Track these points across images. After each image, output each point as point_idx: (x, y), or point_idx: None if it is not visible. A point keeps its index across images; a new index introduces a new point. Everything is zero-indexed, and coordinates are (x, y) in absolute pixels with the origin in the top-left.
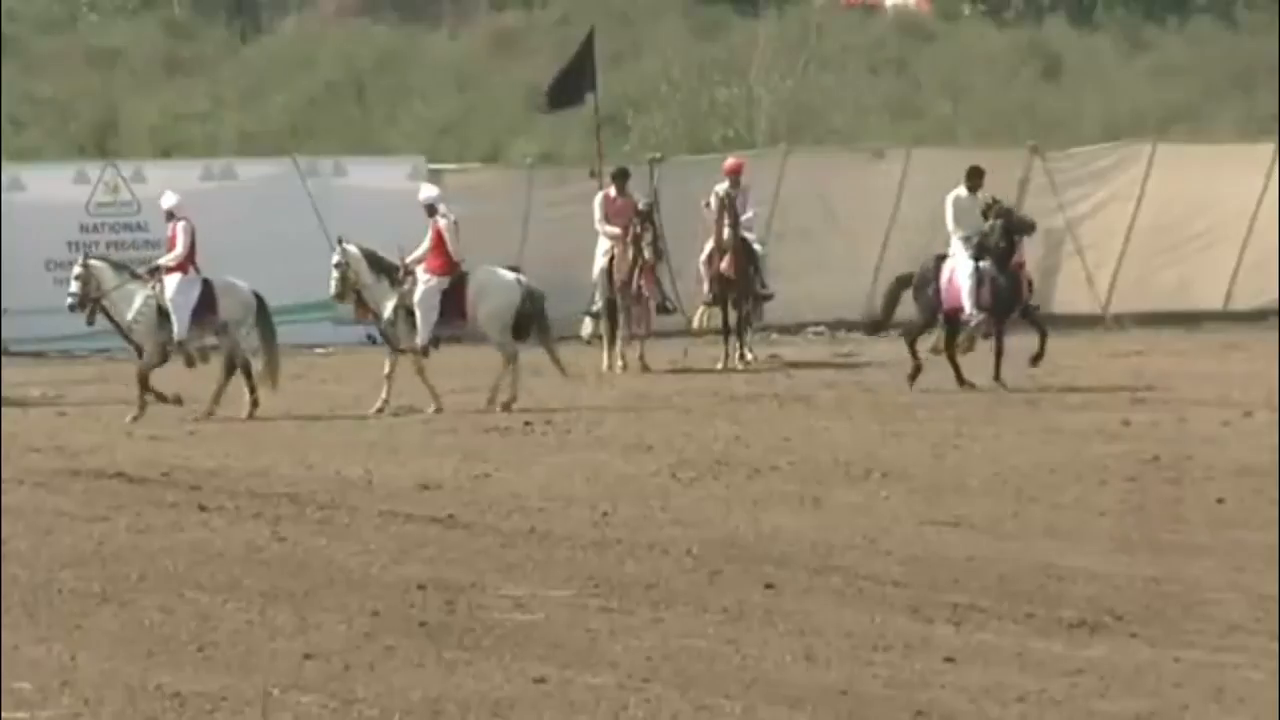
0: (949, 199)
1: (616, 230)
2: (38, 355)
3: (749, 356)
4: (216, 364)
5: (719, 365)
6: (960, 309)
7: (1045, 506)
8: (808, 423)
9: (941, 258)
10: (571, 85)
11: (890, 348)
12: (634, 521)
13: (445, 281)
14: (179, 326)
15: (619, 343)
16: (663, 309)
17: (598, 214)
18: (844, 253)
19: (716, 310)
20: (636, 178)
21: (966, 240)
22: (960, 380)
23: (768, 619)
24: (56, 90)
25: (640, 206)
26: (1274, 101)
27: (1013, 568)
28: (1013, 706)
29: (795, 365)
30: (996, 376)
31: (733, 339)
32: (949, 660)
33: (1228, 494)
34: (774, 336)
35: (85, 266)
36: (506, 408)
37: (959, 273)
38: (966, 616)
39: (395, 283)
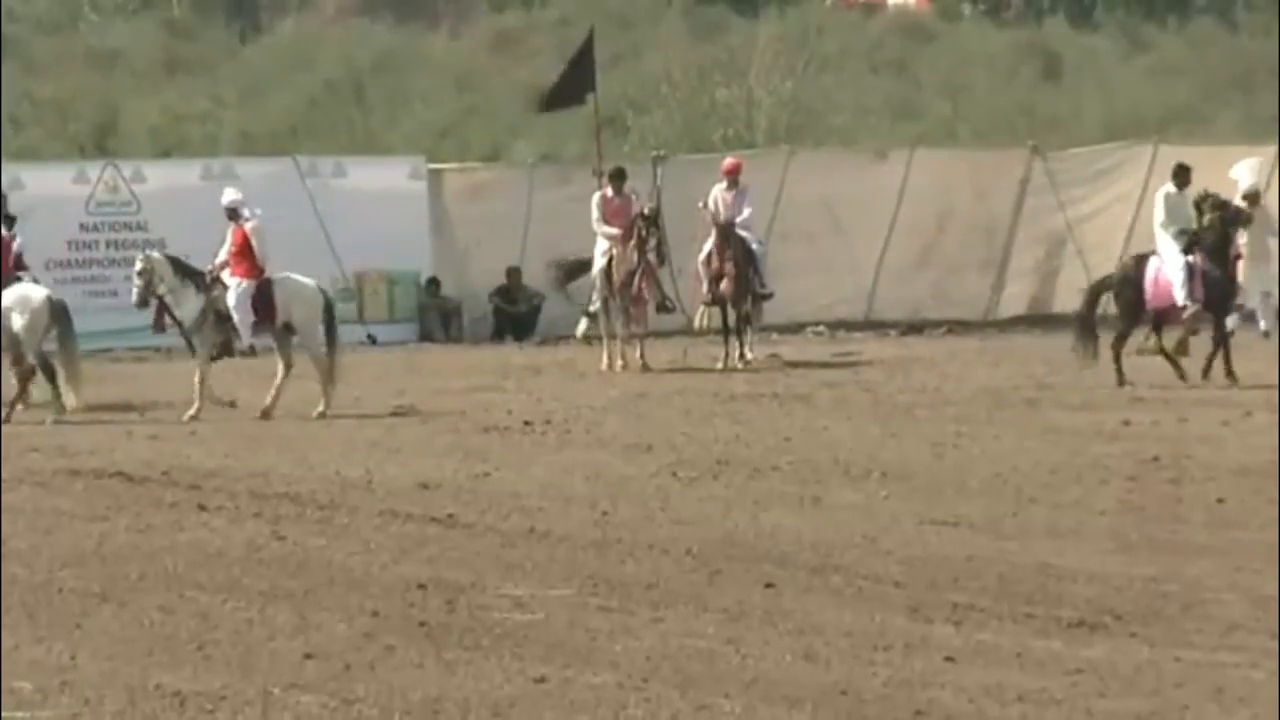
0: (1159, 196)
1: (615, 230)
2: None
3: (749, 356)
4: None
5: (719, 365)
6: (1170, 306)
7: (1045, 506)
8: (808, 422)
9: (1142, 257)
10: (571, 85)
11: (888, 347)
12: (634, 521)
13: (253, 285)
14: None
15: (619, 342)
16: (662, 308)
17: (595, 214)
18: (845, 253)
19: (716, 310)
20: (639, 176)
21: (1179, 235)
22: (1181, 375)
23: (767, 618)
24: (56, 90)
25: (645, 211)
26: (1274, 103)
27: (1012, 567)
28: (1013, 706)
29: (795, 365)
30: (1229, 373)
31: (732, 339)
32: (949, 660)
33: (1228, 494)
34: (774, 336)
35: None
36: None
37: (1168, 268)
38: (966, 616)
39: (201, 287)
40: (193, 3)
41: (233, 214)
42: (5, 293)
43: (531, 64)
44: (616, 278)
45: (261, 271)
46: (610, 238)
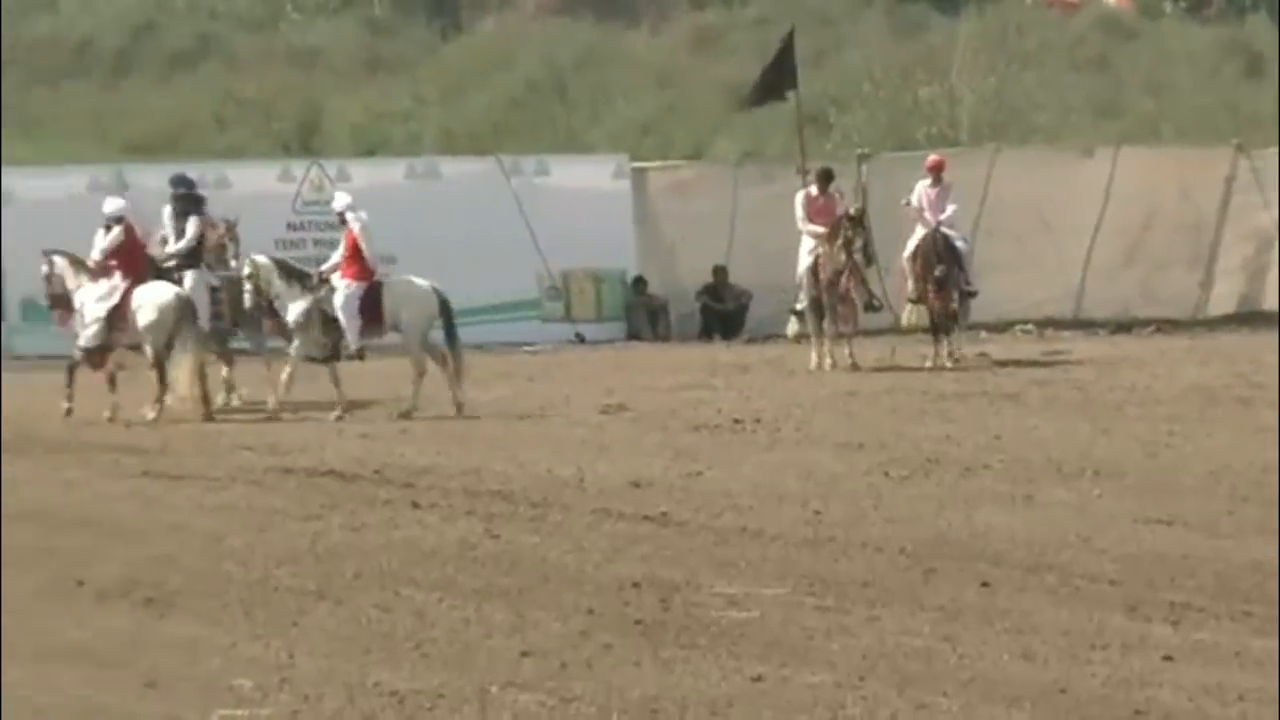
0: None
1: (819, 229)
2: (246, 354)
3: (956, 355)
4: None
5: (927, 363)
6: None
7: (1260, 505)
8: (1018, 421)
9: None
10: (773, 82)
11: (1097, 346)
12: (846, 519)
13: (362, 287)
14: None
15: (827, 341)
16: (870, 307)
17: (799, 212)
18: (1052, 251)
19: (923, 308)
20: (843, 174)
21: None
22: None
23: (983, 617)
24: (259, 89)
25: (851, 211)
26: None
27: (1229, 566)
28: (1233, 705)
29: (1004, 363)
30: None
31: (940, 337)
32: (1167, 659)
33: None
34: (982, 335)
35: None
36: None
37: None
38: (1184, 615)
39: (307, 288)
40: (394, 1)
41: (342, 217)
42: (136, 291)
43: (731, 62)
44: (823, 276)
45: (371, 274)
46: (815, 236)
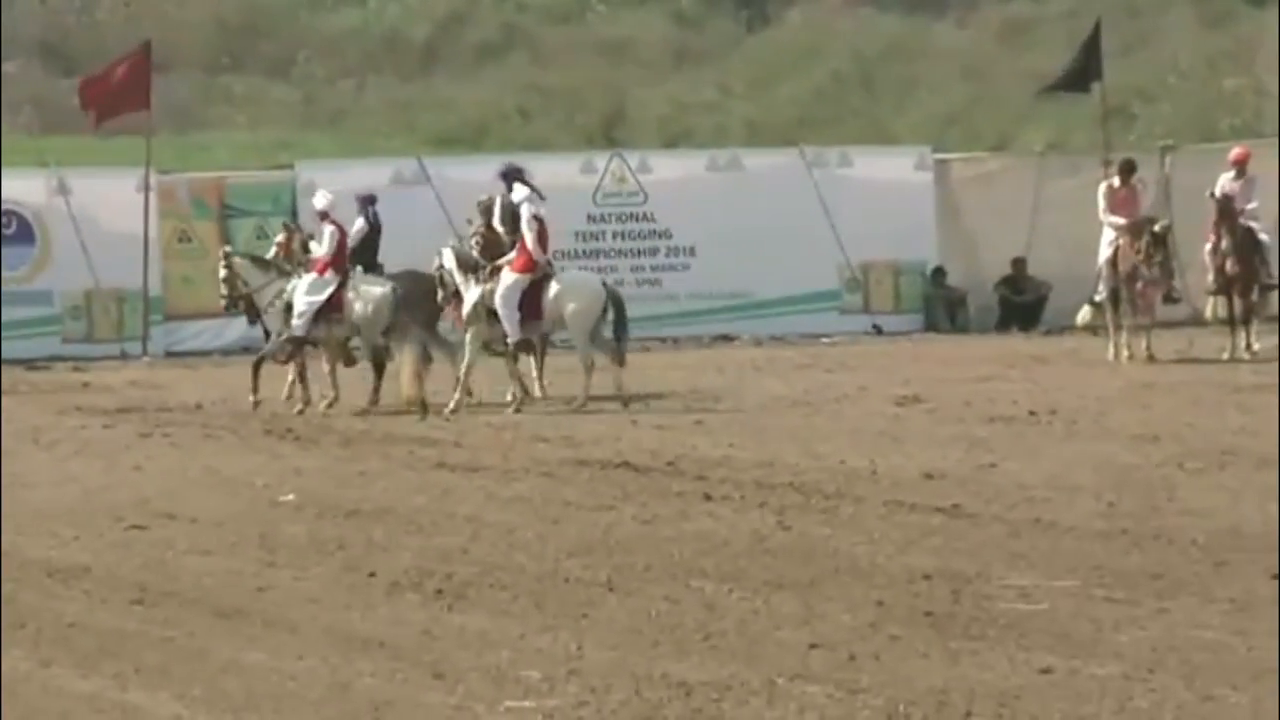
0: None
1: (1121, 220)
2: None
3: (1255, 347)
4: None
5: (1225, 355)
6: None
7: None
8: None
9: None
10: (1077, 72)
11: None
12: (1140, 512)
13: (526, 280)
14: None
15: (1125, 332)
16: (1169, 298)
17: (1102, 204)
18: None
19: (1223, 299)
20: (1146, 166)
21: None
22: None
23: (1275, 610)
24: (565, 80)
25: (1156, 229)
26: None
27: None
28: None
29: None
30: None
31: (1239, 329)
32: None
33: None
34: None
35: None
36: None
37: None
38: None
39: (480, 280)
40: None
41: (515, 211)
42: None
43: (1038, 54)
44: (1122, 268)
45: (537, 266)
46: (1117, 228)
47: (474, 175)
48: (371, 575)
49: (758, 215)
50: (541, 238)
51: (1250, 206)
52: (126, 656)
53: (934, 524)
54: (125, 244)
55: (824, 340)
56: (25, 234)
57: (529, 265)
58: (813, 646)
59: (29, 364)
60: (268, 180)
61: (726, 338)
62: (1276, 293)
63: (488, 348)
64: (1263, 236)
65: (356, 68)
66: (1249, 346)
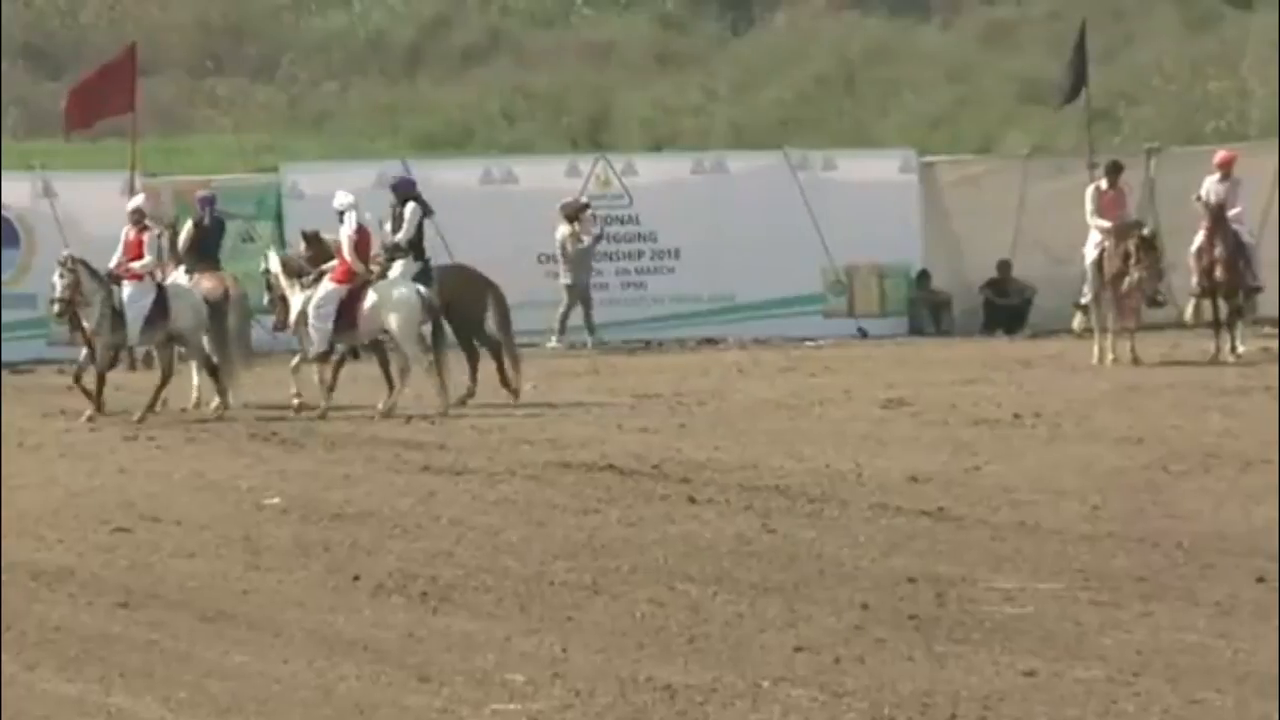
0: None
1: (1107, 223)
2: (528, 348)
3: (1240, 349)
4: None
5: (1209, 358)
6: None
7: None
8: None
9: None
10: (1075, 79)
11: None
12: (1124, 515)
13: (344, 290)
14: (131, 330)
15: (1110, 335)
16: (1154, 301)
17: (1090, 206)
18: None
19: (1207, 302)
20: (1132, 168)
21: None
22: None
23: (1260, 613)
24: (550, 83)
25: (1145, 233)
26: None
27: None
28: None
29: None
30: None
31: (1224, 331)
32: None
33: None
34: (1266, 329)
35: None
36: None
37: None
38: None
39: (305, 287)
40: None
41: (341, 216)
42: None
43: (1022, 56)
44: (1108, 271)
45: (355, 276)
46: (1103, 231)
47: (459, 178)
48: (356, 578)
49: (743, 218)
50: (361, 248)
51: (1235, 211)
52: (111, 659)
53: (919, 527)
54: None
55: (809, 343)
56: (10, 237)
57: (347, 276)
58: (797, 649)
59: (14, 367)
60: (253, 183)
61: (711, 341)
62: (1261, 295)
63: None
64: (1247, 239)
65: (341, 70)
66: (1234, 349)
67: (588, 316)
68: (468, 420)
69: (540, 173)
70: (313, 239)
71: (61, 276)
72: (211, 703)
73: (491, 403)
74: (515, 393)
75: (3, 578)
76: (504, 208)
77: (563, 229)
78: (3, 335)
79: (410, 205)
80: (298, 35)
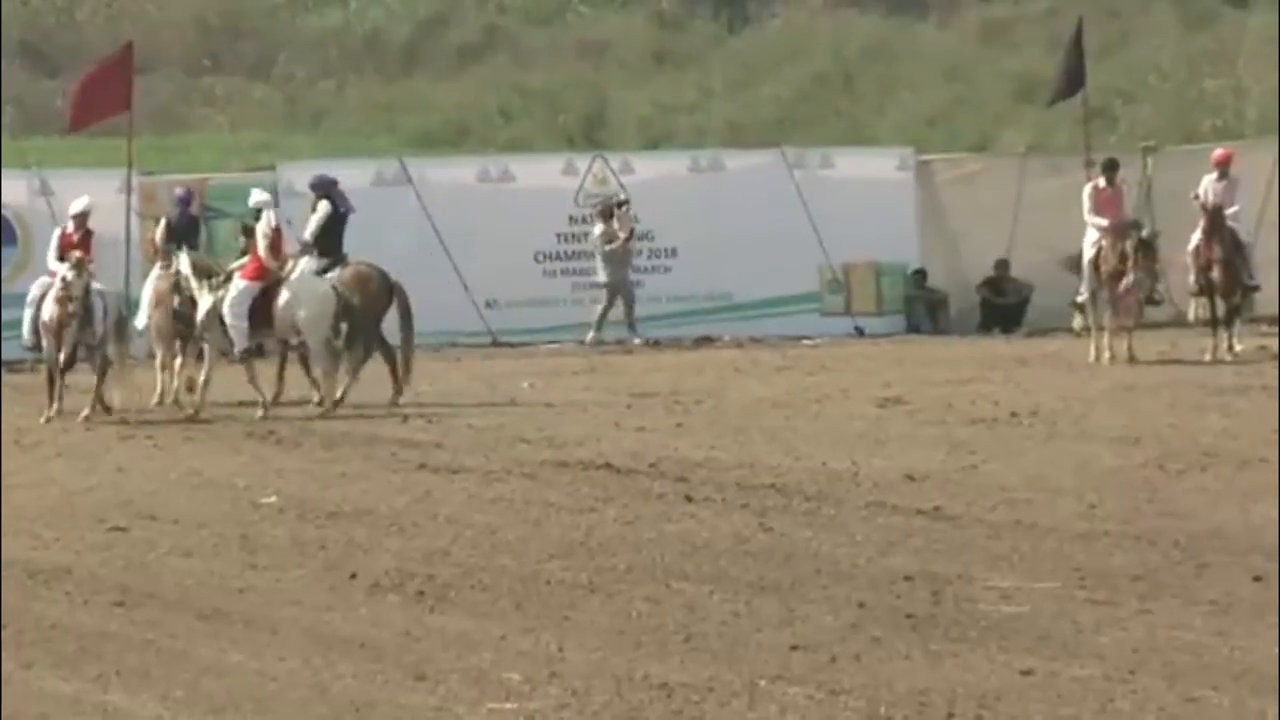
0: None
1: (1104, 221)
2: (526, 347)
3: (1237, 348)
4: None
5: (1207, 356)
6: None
7: None
8: None
9: None
10: (1071, 78)
11: None
12: (1121, 513)
13: (257, 287)
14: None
15: (1106, 334)
16: (1151, 300)
17: (1087, 204)
18: None
19: (1205, 300)
20: (1128, 166)
21: None
22: None
23: (1256, 611)
24: (547, 81)
25: (1145, 235)
26: None
27: None
28: None
29: None
30: None
31: (1221, 330)
32: None
33: None
34: (1263, 328)
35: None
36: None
37: None
38: None
39: (214, 288)
40: None
41: (256, 214)
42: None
43: (1020, 54)
44: (1104, 269)
45: (268, 273)
46: (1100, 229)
47: (455, 176)
48: (353, 577)
49: (739, 217)
50: (275, 246)
51: (1232, 210)
52: (108, 658)
53: (915, 526)
54: (107, 245)
55: (805, 342)
56: (7, 235)
57: (259, 273)
58: (794, 648)
59: (11, 365)
60: (249, 181)
61: (708, 339)
62: (1258, 294)
63: (224, 355)
64: (1244, 238)
65: (338, 68)
66: (1231, 348)
67: (629, 313)
68: (464, 419)
69: (537, 171)
70: (251, 232)
71: (80, 277)
72: (208, 701)
73: (489, 402)
74: (400, 393)
75: (0, 576)
76: (501, 206)
77: (599, 226)
78: (1, 334)
79: (323, 203)
80: (294, 33)
